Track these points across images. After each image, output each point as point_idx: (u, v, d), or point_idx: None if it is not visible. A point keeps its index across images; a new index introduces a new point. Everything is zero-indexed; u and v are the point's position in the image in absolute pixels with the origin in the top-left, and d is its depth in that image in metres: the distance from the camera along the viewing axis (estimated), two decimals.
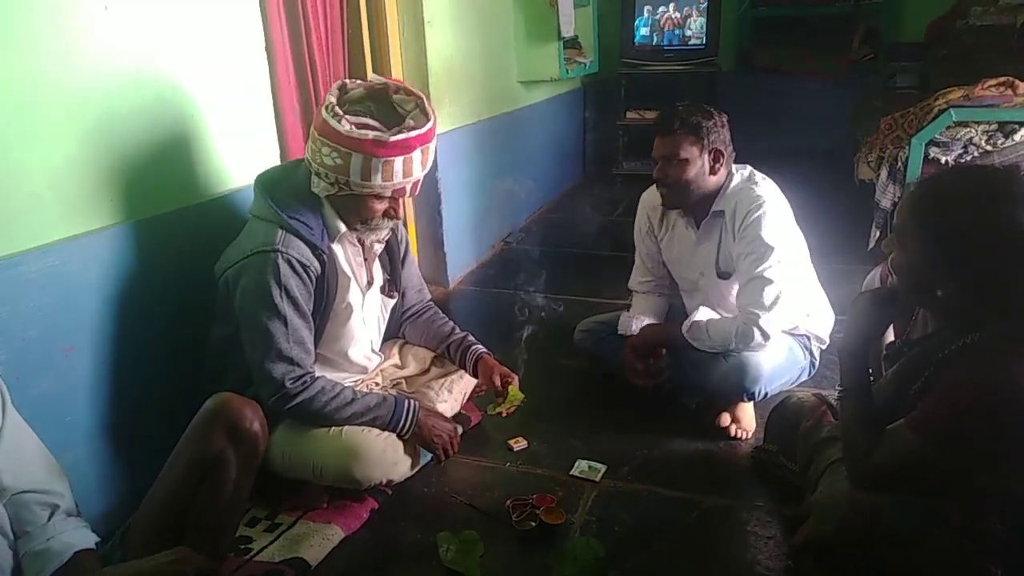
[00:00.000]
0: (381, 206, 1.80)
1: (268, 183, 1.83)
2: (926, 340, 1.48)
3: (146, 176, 1.81)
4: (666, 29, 5.46)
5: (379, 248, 1.98)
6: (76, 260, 1.64)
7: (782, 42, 5.68)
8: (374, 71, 3.04)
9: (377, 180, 1.69)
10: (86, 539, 1.30)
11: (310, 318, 1.79)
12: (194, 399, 1.54)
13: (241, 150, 2.09)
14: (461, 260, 3.73)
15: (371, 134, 1.64)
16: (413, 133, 1.67)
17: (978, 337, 1.35)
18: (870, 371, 1.57)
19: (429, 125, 1.70)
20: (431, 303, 2.30)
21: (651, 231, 2.41)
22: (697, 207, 2.20)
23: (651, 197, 2.38)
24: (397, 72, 3.22)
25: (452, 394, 2.18)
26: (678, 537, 1.79)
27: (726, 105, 2.29)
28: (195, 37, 1.91)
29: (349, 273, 1.90)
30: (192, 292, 1.91)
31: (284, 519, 1.84)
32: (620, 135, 5.57)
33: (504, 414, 2.19)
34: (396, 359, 2.23)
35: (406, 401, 1.89)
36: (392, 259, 2.09)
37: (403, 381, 2.20)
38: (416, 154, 1.71)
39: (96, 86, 1.65)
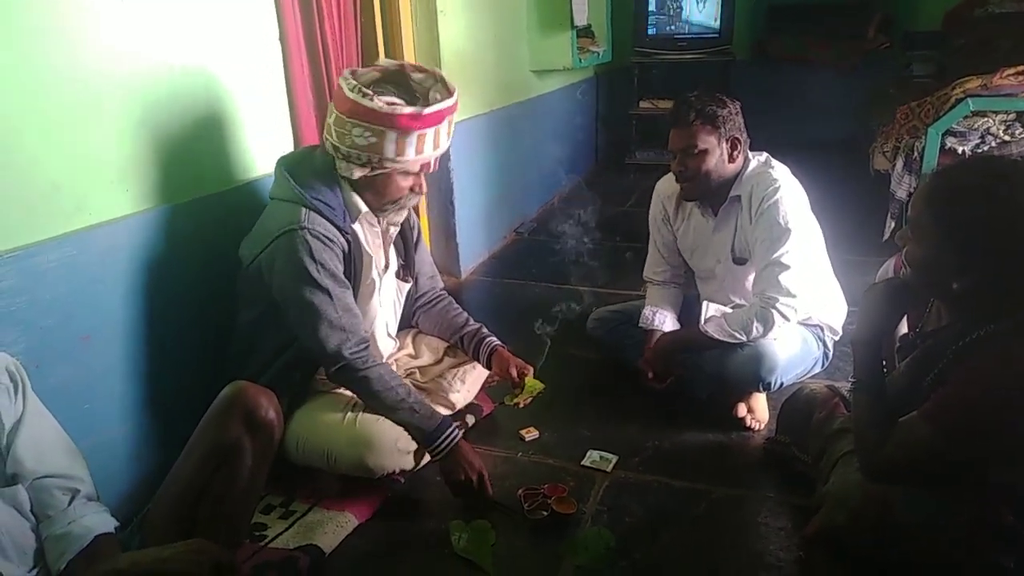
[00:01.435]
0: (408, 183, 1.83)
1: (290, 165, 1.84)
2: (940, 332, 1.47)
3: (161, 166, 1.82)
4: (680, 18, 5.42)
5: (394, 232, 2.00)
6: (93, 250, 1.66)
7: (797, 31, 5.62)
8: None
9: (410, 155, 1.73)
10: (106, 523, 1.32)
11: (349, 288, 1.81)
12: (215, 384, 1.56)
13: (257, 139, 2.11)
14: (473, 250, 3.73)
15: (407, 109, 1.67)
16: (444, 104, 1.72)
17: (992, 329, 1.34)
18: (883, 363, 1.57)
19: (456, 96, 1.75)
20: (445, 292, 2.31)
21: (667, 220, 2.41)
22: (715, 195, 2.20)
23: (666, 186, 2.37)
24: (409, 61, 3.21)
25: (465, 384, 2.20)
26: (689, 527, 1.80)
27: (740, 95, 2.28)
28: (210, 28, 1.91)
29: (371, 253, 1.92)
30: (209, 280, 1.93)
31: (299, 506, 1.86)
32: (633, 125, 5.55)
33: (522, 404, 2.21)
34: (410, 348, 2.24)
35: (453, 425, 1.88)
36: (406, 244, 2.10)
37: (417, 371, 2.21)
38: (444, 126, 1.77)
39: (111, 78, 1.66)
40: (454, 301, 2.30)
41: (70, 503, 1.29)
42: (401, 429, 1.86)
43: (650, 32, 5.44)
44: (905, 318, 1.65)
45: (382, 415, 1.83)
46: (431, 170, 1.85)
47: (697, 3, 5.39)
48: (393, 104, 1.67)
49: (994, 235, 1.30)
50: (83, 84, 1.60)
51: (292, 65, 2.18)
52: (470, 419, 2.24)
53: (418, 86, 1.78)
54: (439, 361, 2.25)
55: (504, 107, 3.96)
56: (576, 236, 3.80)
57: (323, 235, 1.75)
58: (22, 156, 1.49)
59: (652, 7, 5.41)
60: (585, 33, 4.70)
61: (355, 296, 1.87)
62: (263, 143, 2.13)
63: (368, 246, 1.92)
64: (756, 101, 2.14)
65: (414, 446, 1.88)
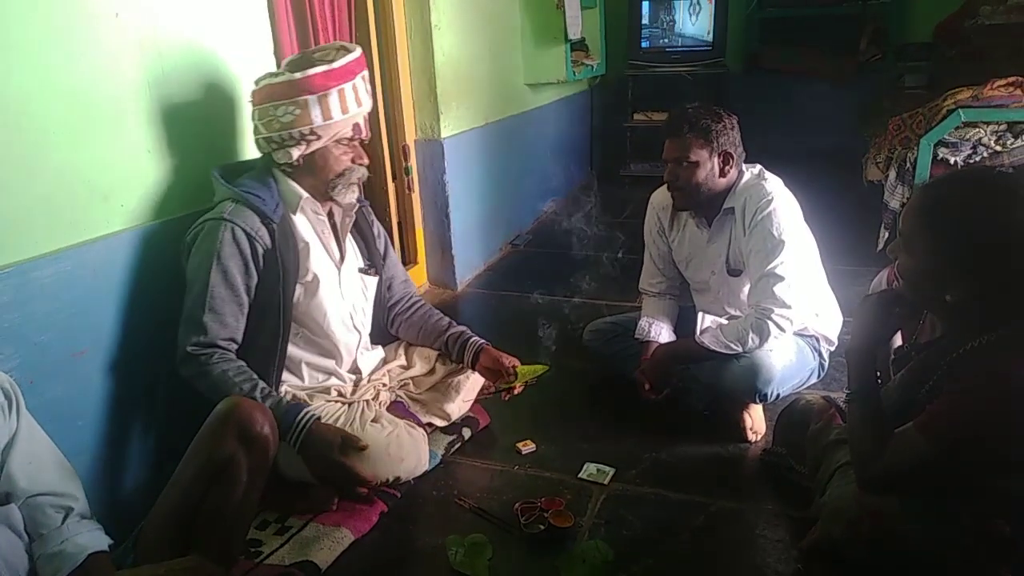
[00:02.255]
0: (346, 154, 1.86)
1: (222, 169, 1.87)
2: (934, 344, 1.48)
3: (155, 181, 1.83)
4: (673, 31, 5.46)
5: (349, 222, 2.01)
6: (87, 265, 1.65)
7: (790, 43, 5.67)
8: (381, 75, 3.06)
9: (337, 114, 1.77)
10: (100, 541, 1.31)
11: (242, 293, 1.78)
12: (209, 400, 1.55)
13: (251, 155, 2.10)
14: (469, 263, 3.74)
15: (317, 68, 1.74)
16: (350, 57, 1.78)
17: (987, 340, 1.35)
18: (878, 374, 1.57)
19: (359, 51, 1.82)
20: (421, 298, 2.31)
21: (662, 231, 2.42)
22: (708, 206, 2.21)
23: (661, 198, 2.38)
24: (405, 75, 3.24)
25: (460, 394, 2.20)
26: (687, 540, 1.79)
27: (734, 106, 2.29)
28: (204, 44, 1.92)
29: (311, 240, 1.91)
30: None
31: (294, 522, 1.85)
32: (628, 137, 5.58)
33: (517, 390, 2.19)
34: (402, 359, 2.24)
35: (303, 410, 1.79)
36: (366, 239, 2.11)
37: (410, 382, 2.20)
38: (359, 81, 1.81)
39: (104, 93, 1.67)
40: (433, 308, 2.29)
41: (63, 521, 1.28)
42: (392, 436, 1.86)
43: (644, 45, 5.48)
44: (900, 330, 1.65)
45: None
46: (364, 135, 1.88)
47: (690, 16, 5.43)
48: (303, 70, 1.73)
49: (987, 247, 1.30)
50: (76, 99, 1.60)
51: None
52: (466, 432, 2.23)
53: (321, 55, 1.82)
54: (432, 371, 2.24)
55: (499, 120, 3.98)
56: (571, 248, 3.81)
57: (242, 230, 1.75)
58: (15, 172, 1.49)
59: (646, 20, 5.46)
60: (579, 46, 4.74)
61: (295, 290, 1.85)
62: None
63: (312, 235, 1.92)
64: (749, 113, 2.15)
65: (406, 452, 1.88)
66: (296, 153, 1.79)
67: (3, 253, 1.48)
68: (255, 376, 1.77)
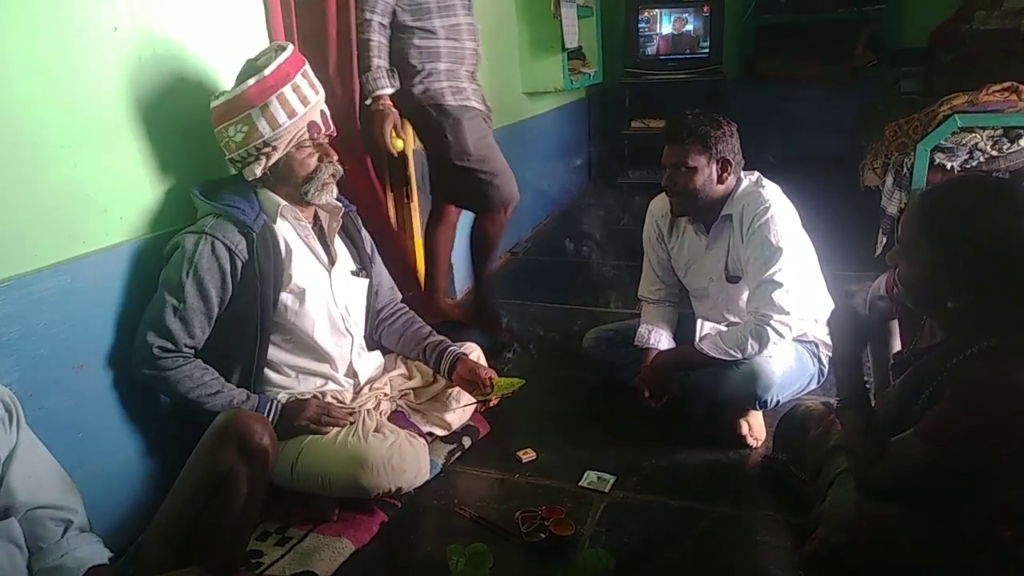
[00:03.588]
0: (311, 157, 1.86)
1: (201, 187, 1.86)
2: (934, 350, 1.48)
3: (154, 193, 1.83)
4: (670, 39, 5.49)
5: (336, 226, 2.02)
6: (87, 278, 1.65)
7: (786, 49, 5.69)
8: None
9: (284, 120, 1.76)
10: (100, 554, 1.31)
11: (214, 306, 1.78)
12: (208, 412, 1.54)
13: None
14: (468, 271, 3.73)
15: (248, 81, 1.72)
16: (280, 59, 1.76)
17: (987, 346, 1.35)
18: (866, 379, 1.58)
19: (292, 49, 1.80)
20: (405, 307, 2.31)
21: (661, 239, 2.42)
22: (706, 212, 2.22)
23: (660, 205, 2.39)
24: None
25: (461, 403, 2.20)
26: (688, 547, 1.79)
27: (731, 113, 2.30)
28: (203, 58, 1.93)
29: (295, 246, 1.91)
30: None
31: (295, 533, 1.84)
32: (625, 145, 5.59)
33: (493, 402, 2.18)
34: (403, 368, 2.23)
35: (269, 401, 1.86)
36: (355, 243, 2.11)
37: (411, 392, 2.20)
38: (299, 79, 1.79)
39: (103, 107, 1.68)
40: (417, 316, 2.29)
41: (63, 535, 1.28)
42: (394, 447, 1.86)
43: (640, 53, 5.50)
44: (898, 335, 1.66)
45: (195, 410, 1.78)
46: (329, 131, 1.88)
47: (686, 24, 5.45)
48: (241, 83, 1.73)
49: (986, 254, 1.31)
50: (75, 113, 1.61)
51: None
52: (467, 441, 2.23)
53: (258, 62, 1.79)
54: (433, 381, 2.24)
55: (497, 129, 3.93)
56: (570, 255, 3.81)
57: (221, 242, 1.75)
58: (13, 185, 1.49)
59: (642, 29, 5.47)
60: (576, 55, 4.76)
61: (270, 297, 1.84)
62: None
63: (297, 240, 1.92)
64: (746, 119, 2.16)
65: (408, 462, 1.88)
66: (259, 169, 1.80)
67: (2, 267, 1.48)
68: (219, 376, 1.81)
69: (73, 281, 1.62)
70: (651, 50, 5.51)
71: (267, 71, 1.73)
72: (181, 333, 1.75)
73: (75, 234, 1.63)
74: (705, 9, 5.36)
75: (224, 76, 1.99)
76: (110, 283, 1.73)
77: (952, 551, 1.40)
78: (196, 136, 1.92)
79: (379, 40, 2.38)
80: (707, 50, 5.41)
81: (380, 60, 2.38)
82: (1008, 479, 1.37)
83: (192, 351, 1.79)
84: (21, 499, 1.25)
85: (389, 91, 2.40)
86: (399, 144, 2.15)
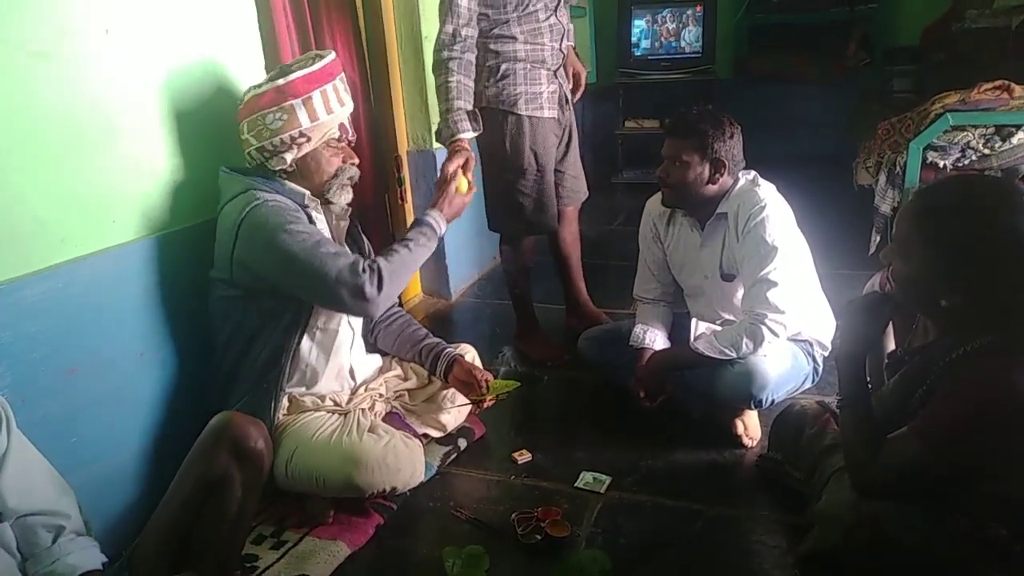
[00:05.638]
0: (337, 156, 1.91)
1: (231, 167, 1.90)
2: (928, 348, 1.48)
3: (146, 196, 1.82)
4: (662, 39, 5.50)
5: (344, 226, 2.02)
6: (78, 282, 1.64)
7: (778, 49, 5.71)
8: (373, 87, 3.06)
9: (323, 115, 1.81)
10: (93, 559, 1.30)
11: (321, 234, 1.83)
12: (202, 415, 1.54)
13: None
14: (463, 272, 3.74)
15: (298, 72, 1.78)
16: (326, 60, 1.84)
17: (981, 344, 1.35)
18: (868, 378, 1.57)
19: (332, 54, 1.87)
20: (401, 309, 2.31)
21: (657, 238, 2.43)
22: (701, 209, 2.22)
23: (655, 204, 2.39)
24: (396, 88, 3.24)
25: (455, 404, 2.19)
26: (684, 547, 1.79)
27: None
28: (196, 59, 1.92)
29: (327, 234, 1.93)
30: (195, 311, 1.92)
31: (290, 536, 1.84)
32: (619, 144, 5.59)
33: (488, 403, 2.17)
34: (399, 370, 2.23)
35: (428, 214, 2.02)
36: (357, 243, 2.12)
37: (406, 393, 2.20)
38: (338, 83, 1.87)
39: (96, 109, 1.67)
40: (413, 318, 2.29)
41: (54, 541, 1.27)
42: (388, 446, 1.86)
43: (633, 53, 5.50)
44: (892, 334, 1.66)
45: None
46: (350, 136, 1.93)
47: (679, 24, 5.46)
48: (285, 76, 1.78)
49: (980, 252, 1.31)
50: (67, 116, 1.60)
51: None
52: (462, 443, 2.23)
53: (298, 63, 1.85)
54: (428, 383, 2.24)
55: None
56: None
57: (284, 203, 1.80)
58: (4, 189, 1.48)
59: (635, 29, 5.47)
60: None
61: None
62: None
63: (324, 229, 1.93)
64: (739, 118, 2.16)
65: (402, 463, 1.88)
66: (289, 157, 1.83)
67: None
68: (399, 251, 1.91)
69: (65, 285, 1.61)
70: (644, 50, 5.52)
71: (315, 67, 1.80)
72: (342, 248, 1.86)
73: (67, 238, 1.62)
74: (698, 9, 5.37)
75: (217, 75, 1.99)
76: (103, 287, 1.71)
77: (947, 549, 1.40)
78: (190, 137, 1.92)
79: (458, 80, 2.36)
80: (700, 50, 5.42)
81: (460, 102, 2.36)
82: (1003, 476, 1.37)
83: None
84: (11, 505, 1.24)
85: (470, 135, 2.35)
86: (464, 186, 2.15)
